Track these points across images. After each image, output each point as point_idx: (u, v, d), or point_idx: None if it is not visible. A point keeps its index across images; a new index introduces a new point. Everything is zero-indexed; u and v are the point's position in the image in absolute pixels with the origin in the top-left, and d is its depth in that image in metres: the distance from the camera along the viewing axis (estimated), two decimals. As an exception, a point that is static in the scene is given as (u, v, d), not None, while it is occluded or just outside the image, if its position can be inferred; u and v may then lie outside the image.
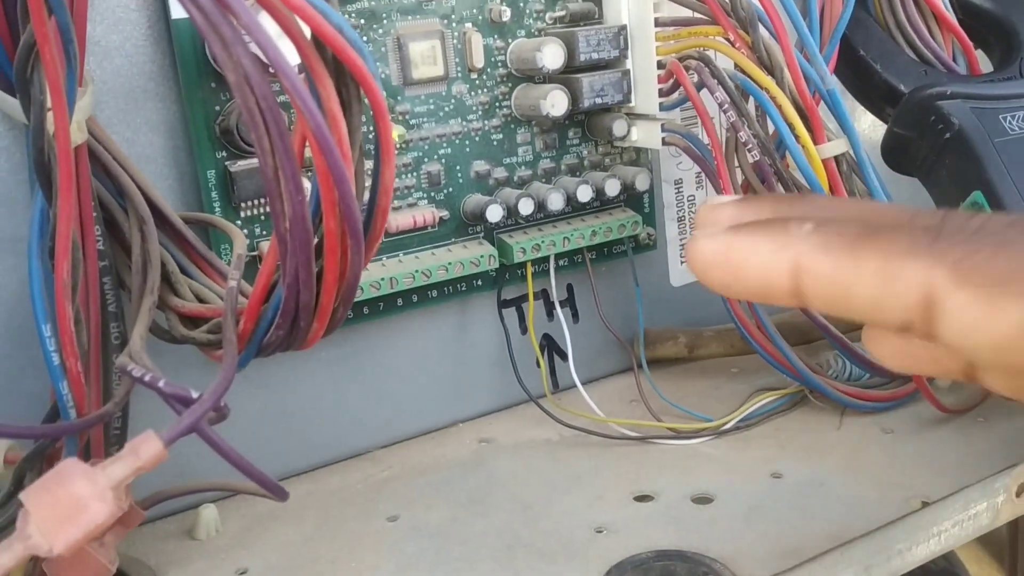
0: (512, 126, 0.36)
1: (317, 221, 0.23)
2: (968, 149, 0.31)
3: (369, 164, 0.24)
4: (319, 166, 0.21)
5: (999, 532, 0.90)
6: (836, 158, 0.32)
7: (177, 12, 0.30)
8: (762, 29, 0.32)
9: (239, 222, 0.32)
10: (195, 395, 0.23)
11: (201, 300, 0.28)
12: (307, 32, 0.21)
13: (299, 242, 0.22)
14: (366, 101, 0.22)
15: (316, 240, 0.23)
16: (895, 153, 0.34)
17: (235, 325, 0.25)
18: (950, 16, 0.35)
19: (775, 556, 0.28)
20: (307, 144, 0.21)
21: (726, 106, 0.32)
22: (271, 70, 0.20)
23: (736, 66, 0.33)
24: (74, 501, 0.20)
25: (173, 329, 0.28)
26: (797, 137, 0.32)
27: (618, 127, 0.36)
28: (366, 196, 0.24)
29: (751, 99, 0.32)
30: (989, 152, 0.31)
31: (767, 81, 0.32)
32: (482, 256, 0.35)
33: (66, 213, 0.24)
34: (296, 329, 0.25)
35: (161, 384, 0.23)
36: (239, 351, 0.25)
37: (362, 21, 0.33)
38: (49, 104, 0.24)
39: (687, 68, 0.34)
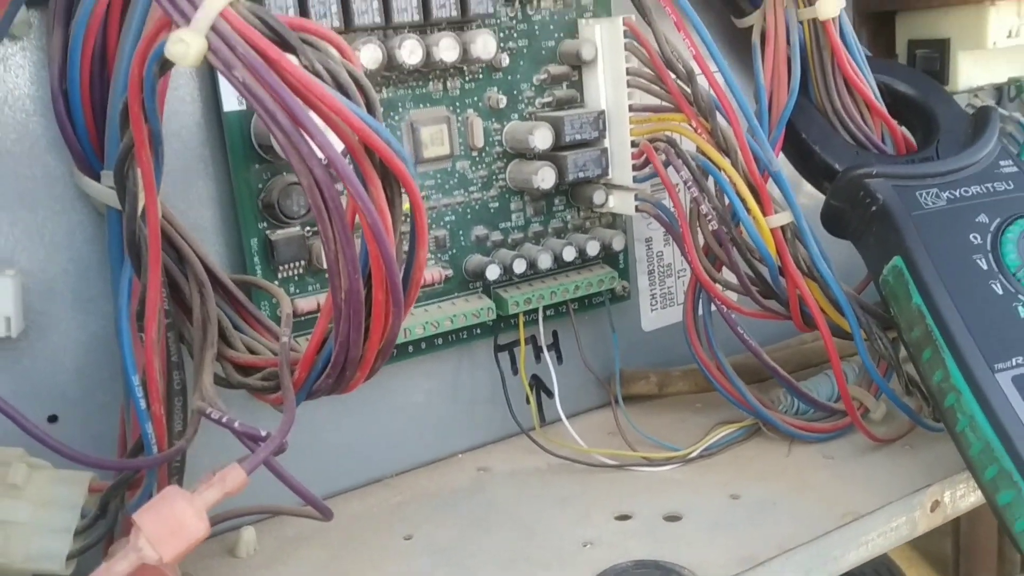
0: (507, 196, 0.42)
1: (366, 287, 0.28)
2: (890, 221, 0.37)
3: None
4: (372, 250, 0.27)
5: (945, 549, 0.97)
6: (782, 227, 0.38)
7: (229, 105, 0.35)
8: (720, 117, 0.39)
9: (277, 281, 0.37)
10: (263, 433, 0.28)
11: (252, 352, 0.34)
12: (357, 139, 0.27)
13: (353, 311, 0.27)
14: (405, 195, 0.28)
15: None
16: (832, 221, 0.40)
17: (290, 375, 0.30)
18: (878, 104, 0.41)
19: (733, 563, 0.34)
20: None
21: (689, 183, 0.38)
22: (333, 172, 0.26)
23: (698, 148, 0.39)
24: (178, 520, 0.26)
25: (230, 377, 0.33)
26: (748, 210, 0.38)
27: (598, 196, 0.42)
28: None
29: (710, 177, 0.38)
30: (907, 224, 0.37)
31: (723, 162, 0.38)
32: (481, 309, 0.40)
33: (155, 284, 0.30)
34: (342, 378, 0.30)
35: (236, 425, 0.28)
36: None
37: (381, 110, 0.38)
38: (143, 197, 0.29)
39: (656, 149, 0.40)
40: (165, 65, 0.27)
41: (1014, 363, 0.34)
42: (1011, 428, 0.33)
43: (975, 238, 0.37)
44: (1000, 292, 0.35)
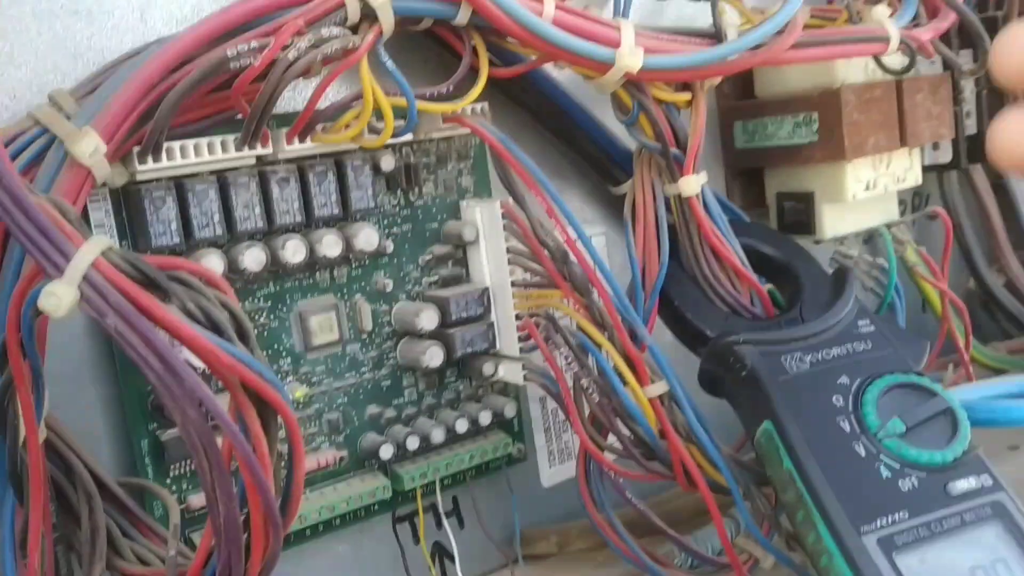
0: (398, 373, 0.43)
1: (244, 511, 0.29)
2: (758, 386, 0.39)
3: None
4: (248, 482, 0.27)
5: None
6: (659, 396, 0.40)
7: (115, 314, 0.36)
8: (595, 293, 0.41)
9: (169, 479, 0.38)
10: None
11: (142, 561, 0.34)
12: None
13: (231, 535, 0.28)
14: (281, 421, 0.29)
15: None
16: (708, 384, 0.42)
17: (177, 592, 0.31)
18: (744, 270, 0.44)
19: None
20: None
21: (570, 360, 0.40)
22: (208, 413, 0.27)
23: (577, 324, 0.41)
24: None
25: (119, 589, 0.33)
26: (626, 382, 0.40)
27: (487, 368, 0.43)
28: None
29: (589, 353, 0.40)
30: (775, 389, 0.39)
31: (600, 338, 0.40)
32: (378, 488, 0.41)
33: (36, 514, 0.30)
34: (229, 593, 0.31)
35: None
36: (181, 613, 0.31)
37: (268, 303, 0.40)
38: (23, 429, 0.30)
39: (537, 324, 0.41)
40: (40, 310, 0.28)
41: (878, 524, 0.36)
42: (879, 590, 0.35)
43: (838, 400, 0.39)
44: (863, 454, 0.37)
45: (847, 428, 0.38)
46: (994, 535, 0.36)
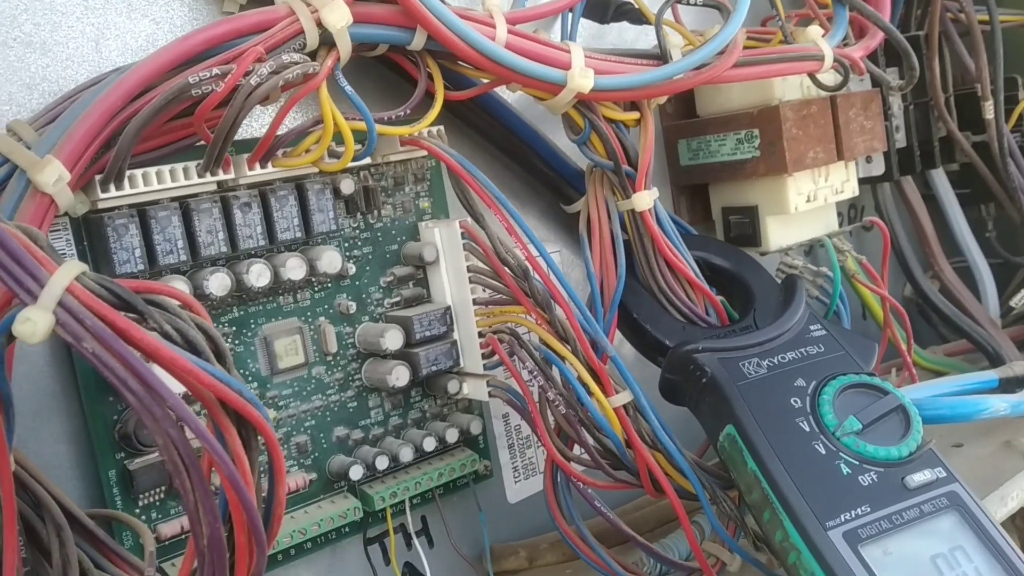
0: (364, 394, 0.43)
1: (227, 528, 0.29)
2: (719, 392, 0.40)
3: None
4: (231, 499, 0.27)
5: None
6: (624, 405, 0.41)
7: (79, 344, 0.36)
8: (557, 308, 0.42)
9: (138, 509, 0.37)
10: None
11: (116, 592, 0.33)
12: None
13: (216, 556, 0.28)
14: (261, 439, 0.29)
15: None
16: (669, 393, 0.43)
17: (156, 619, 0.31)
18: (698, 280, 0.45)
19: None
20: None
21: (535, 372, 0.41)
22: (188, 431, 0.27)
23: (540, 338, 0.42)
24: None
25: (93, 621, 0.33)
26: (591, 393, 0.40)
27: (452, 386, 0.44)
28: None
29: (553, 365, 0.41)
30: (735, 394, 0.40)
31: (564, 351, 0.41)
32: (348, 509, 0.41)
33: (10, 547, 0.30)
34: (210, 616, 0.30)
35: None
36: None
37: (233, 328, 0.40)
38: (-6, 459, 0.29)
39: (501, 340, 0.42)
40: (12, 336, 0.28)
41: (843, 519, 0.37)
42: (847, 581, 0.36)
43: (796, 402, 0.40)
44: (823, 452, 0.39)
45: (806, 428, 0.40)
46: (951, 524, 0.38)
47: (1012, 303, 0.68)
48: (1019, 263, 0.71)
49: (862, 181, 0.60)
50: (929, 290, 0.66)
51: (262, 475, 0.30)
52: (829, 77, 0.51)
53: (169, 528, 0.38)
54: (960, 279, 0.67)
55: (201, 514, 0.28)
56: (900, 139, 0.63)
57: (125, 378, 0.26)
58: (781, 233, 0.54)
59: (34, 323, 0.26)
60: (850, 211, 0.69)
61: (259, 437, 0.29)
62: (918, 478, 0.38)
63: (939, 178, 0.68)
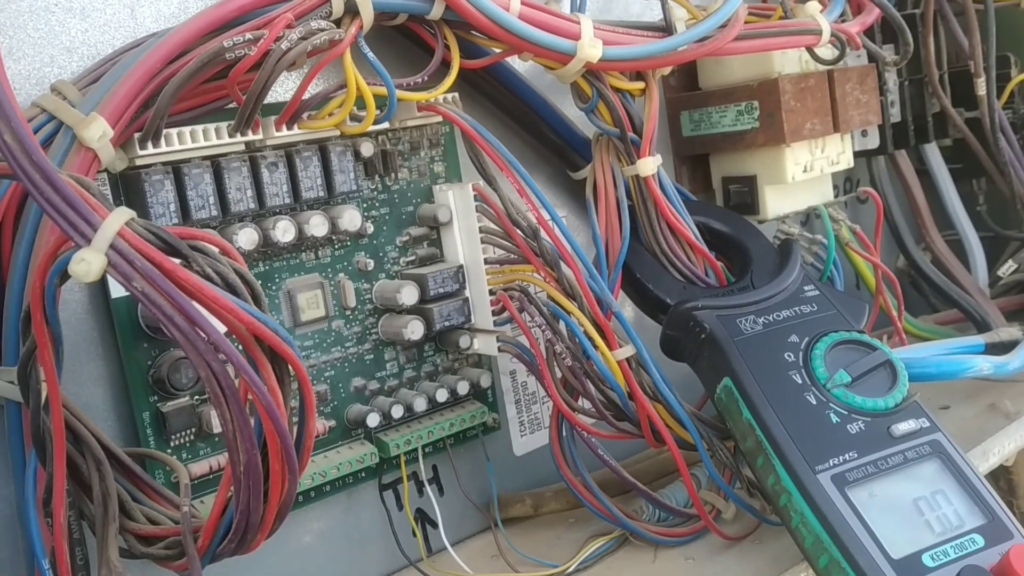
0: (381, 348, 0.46)
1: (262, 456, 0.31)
2: (717, 347, 0.43)
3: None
4: (267, 428, 0.30)
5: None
6: (627, 359, 0.43)
7: (116, 292, 0.38)
8: (564, 266, 0.44)
9: (170, 450, 0.40)
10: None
11: (153, 522, 0.36)
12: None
13: (253, 481, 0.31)
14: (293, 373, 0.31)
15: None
16: (669, 348, 0.46)
17: (194, 543, 0.33)
18: (698, 243, 0.48)
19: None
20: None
21: (543, 326, 0.43)
22: (229, 364, 0.29)
23: (548, 295, 0.44)
24: None
25: (133, 548, 0.35)
26: (596, 346, 0.43)
27: (463, 341, 0.46)
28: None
29: (561, 320, 0.43)
30: (732, 349, 0.43)
31: (571, 306, 0.43)
32: (365, 455, 0.44)
33: (60, 472, 0.32)
34: (244, 541, 0.33)
35: (147, 597, 0.30)
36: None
37: (259, 282, 0.42)
38: (45, 392, 0.31)
39: (511, 297, 0.44)
40: (65, 277, 0.30)
41: (831, 464, 0.39)
42: (834, 521, 0.38)
43: (789, 356, 0.43)
44: (814, 402, 0.41)
45: (799, 380, 0.42)
46: (933, 470, 0.40)
47: (1000, 272, 0.70)
48: (1008, 236, 0.73)
49: (857, 154, 0.62)
50: (921, 260, 0.68)
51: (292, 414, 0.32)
52: (827, 51, 0.53)
53: (198, 468, 0.40)
54: (951, 251, 0.69)
55: (239, 441, 0.30)
56: (895, 114, 0.65)
57: (172, 315, 0.29)
58: (779, 202, 0.56)
59: (88, 263, 0.28)
60: (845, 183, 0.71)
61: (291, 371, 0.31)
62: (903, 427, 0.41)
63: (932, 153, 0.70)
